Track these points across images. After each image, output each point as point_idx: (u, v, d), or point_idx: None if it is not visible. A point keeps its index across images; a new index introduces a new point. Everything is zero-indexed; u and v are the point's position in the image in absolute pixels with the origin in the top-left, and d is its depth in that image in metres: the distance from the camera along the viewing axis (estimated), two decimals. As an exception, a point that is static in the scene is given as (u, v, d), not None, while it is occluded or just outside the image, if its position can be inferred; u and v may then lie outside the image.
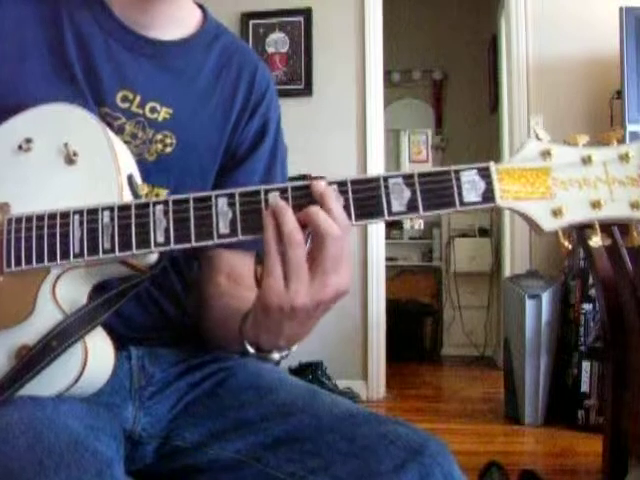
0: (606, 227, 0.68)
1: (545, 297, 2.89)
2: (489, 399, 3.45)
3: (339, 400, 0.82)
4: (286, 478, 0.73)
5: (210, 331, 0.91)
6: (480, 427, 2.93)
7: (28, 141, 0.75)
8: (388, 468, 0.69)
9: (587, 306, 2.84)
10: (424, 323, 4.95)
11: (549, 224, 0.68)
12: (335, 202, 0.66)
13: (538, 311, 2.89)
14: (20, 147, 0.75)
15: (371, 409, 0.82)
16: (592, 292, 2.77)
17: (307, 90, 3.52)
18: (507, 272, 3.89)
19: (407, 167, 5.43)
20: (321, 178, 0.68)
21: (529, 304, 2.89)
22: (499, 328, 4.36)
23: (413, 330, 4.81)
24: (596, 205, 0.67)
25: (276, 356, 0.77)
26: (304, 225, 0.66)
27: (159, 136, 0.88)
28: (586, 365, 2.81)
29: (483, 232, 4.89)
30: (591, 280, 2.72)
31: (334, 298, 0.68)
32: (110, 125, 0.84)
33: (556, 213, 0.67)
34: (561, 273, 3.09)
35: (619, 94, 2.92)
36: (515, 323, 2.98)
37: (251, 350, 0.77)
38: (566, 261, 3.08)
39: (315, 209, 0.66)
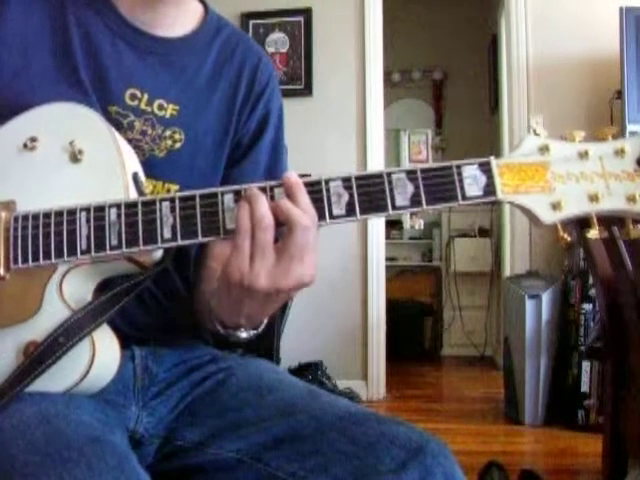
0: (603, 220, 0.70)
1: (545, 297, 2.89)
2: (489, 399, 3.45)
3: (339, 400, 0.83)
4: (287, 478, 0.74)
5: (199, 315, 0.92)
6: (480, 427, 2.93)
7: (33, 140, 0.76)
8: (388, 468, 0.69)
9: (587, 306, 2.85)
10: (424, 323, 4.95)
11: (549, 217, 0.69)
12: (304, 195, 0.68)
13: (538, 311, 2.89)
14: (25, 145, 0.76)
15: (371, 409, 0.82)
16: (592, 292, 2.77)
17: (307, 90, 3.52)
18: (507, 272, 3.89)
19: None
20: (307, 176, 0.70)
21: (529, 304, 2.89)
22: (499, 328, 4.36)
23: (413, 330, 4.81)
24: (594, 198, 0.69)
25: (243, 335, 0.78)
26: (276, 217, 0.68)
27: (168, 132, 0.89)
28: (586, 365, 2.81)
29: (483, 232, 4.89)
30: (591, 280, 2.72)
31: (296, 286, 0.69)
32: (120, 123, 0.85)
33: (555, 206, 0.69)
34: (561, 273, 3.09)
35: (619, 94, 2.92)
36: (515, 323, 2.98)
37: (219, 328, 0.78)
38: (566, 261, 3.08)
39: (287, 201, 0.68)
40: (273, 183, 0.70)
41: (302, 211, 0.67)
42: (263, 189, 0.70)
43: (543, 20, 3.29)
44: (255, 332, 0.79)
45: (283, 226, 0.68)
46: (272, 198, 0.69)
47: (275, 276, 0.68)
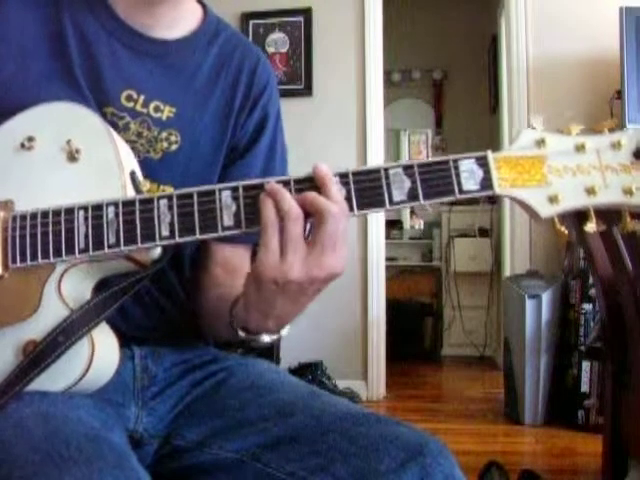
0: (601, 215, 0.70)
1: (545, 297, 2.89)
2: (489, 399, 3.45)
3: (339, 400, 0.83)
4: (286, 478, 0.74)
5: (203, 320, 0.92)
6: (480, 427, 2.93)
7: (30, 139, 0.76)
8: (388, 468, 0.69)
9: (587, 306, 2.84)
10: (424, 323, 4.95)
11: (546, 211, 0.69)
12: (335, 186, 0.68)
13: (538, 311, 2.89)
14: (22, 145, 0.76)
15: (371, 409, 0.82)
16: (592, 292, 2.77)
17: (307, 90, 3.52)
18: (507, 272, 3.89)
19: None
20: None
21: (529, 304, 2.89)
22: (499, 328, 4.36)
23: (413, 330, 4.81)
24: (590, 191, 0.69)
25: (266, 339, 0.77)
26: (303, 209, 0.67)
27: (164, 134, 0.88)
28: (586, 365, 2.81)
29: (483, 232, 4.89)
30: (591, 280, 2.72)
31: (328, 277, 0.68)
32: (115, 124, 0.85)
33: (552, 200, 0.69)
34: (561, 273, 3.09)
35: (619, 94, 2.92)
36: (515, 323, 2.98)
37: (240, 333, 0.77)
38: (566, 261, 3.08)
39: (314, 193, 0.67)
40: (285, 178, 0.69)
41: (330, 200, 0.67)
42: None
43: (543, 20, 3.29)
44: (277, 336, 0.78)
45: (310, 218, 0.67)
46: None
47: (308, 267, 0.67)
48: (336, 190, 0.67)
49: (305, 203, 0.67)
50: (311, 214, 0.67)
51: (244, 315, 0.76)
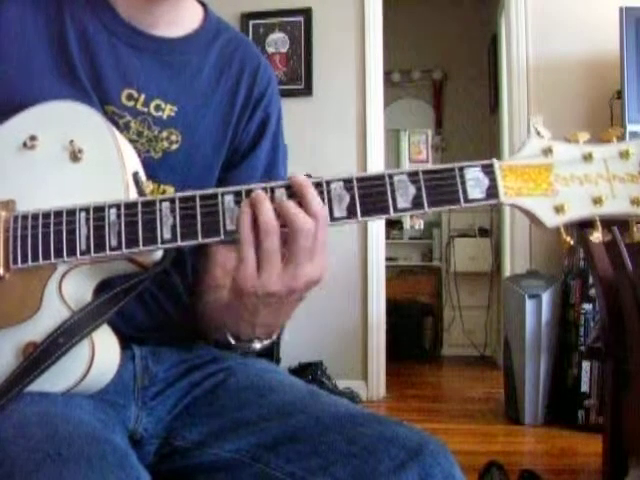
0: (606, 223, 0.69)
1: (545, 297, 2.89)
2: (489, 399, 3.45)
3: (339, 400, 0.83)
4: (286, 478, 0.74)
5: (202, 321, 0.91)
6: (480, 427, 2.93)
7: (33, 138, 0.75)
8: (388, 468, 0.69)
9: (587, 306, 2.85)
10: (424, 323, 4.95)
11: (552, 220, 0.68)
12: (313, 193, 0.67)
13: (538, 311, 2.89)
14: (25, 144, 0.75)
15: (371, 409, 0.82)
16: (592, 292, 2.77)
17: (307, 90, 3.52)
18: (507, 272, 3.89)
19: (407, 167, 5.43)
20: (307, 176, 0.70)
21: (529, 304, 2.89)
22: (499, 328, 4.36)
23: (413, 330, 4.81)
24: (597, 201, 0.68)
25: (257, 346, 0.78)
26: (280, 219, 0.67)
27: (164, 133, 0.88)
28: (586, 365, 2.81)
29: (483, 232, 4.90)
30: (591, 280, 2.72)
31: (306, 286, 0.69)
32: (116, 123, 0.84)
33: (558, 209, 0.68)
34: (561, 273, 3.09)
35: (619, 94, 2.92)
36: (515, 323, 2.98)
37: (232, 341, 0.78)
38: (566, 261, 3.08)
39: (290, 203, 0.67)
40: (279, 183, 0.69)
41: (307, 214, 0.66)
42: (264, 190, 0.69)
43: (543, 20, 3.29)
44: (268, 341, 0.78)
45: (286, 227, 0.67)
46: (272, 200, 0.68)
47: (285, 280, 0.68)
48: (314, 200, 0.67)
49: (281, 213, 0.67)
50: (286, 225, 0.67)
51: (233, 323, 0.77)
